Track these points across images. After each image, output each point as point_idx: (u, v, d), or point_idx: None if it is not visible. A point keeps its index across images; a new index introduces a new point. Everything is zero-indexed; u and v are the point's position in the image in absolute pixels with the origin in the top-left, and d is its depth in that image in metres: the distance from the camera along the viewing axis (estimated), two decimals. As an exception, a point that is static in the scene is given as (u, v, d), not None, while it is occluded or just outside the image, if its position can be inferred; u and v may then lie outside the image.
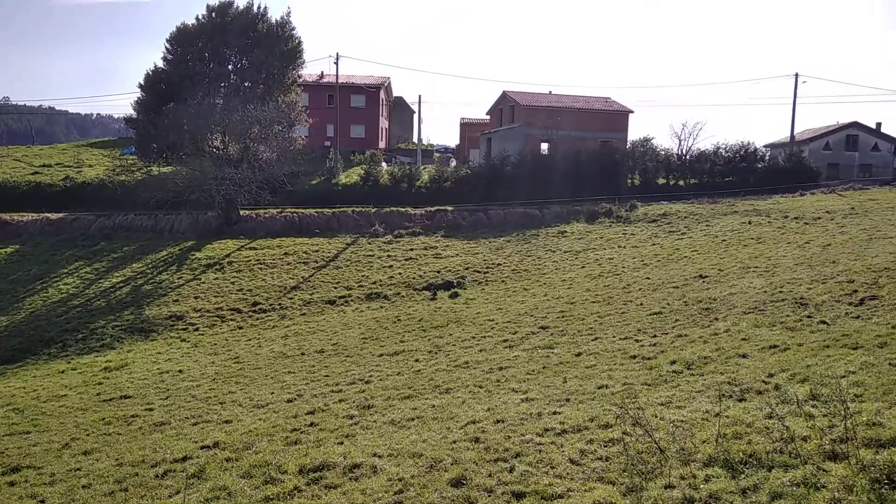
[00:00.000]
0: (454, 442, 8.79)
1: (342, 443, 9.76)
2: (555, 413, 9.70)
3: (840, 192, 39.33)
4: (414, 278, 28.37)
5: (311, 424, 11.31)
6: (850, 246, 22.82)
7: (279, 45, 40.13)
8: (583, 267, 27.98)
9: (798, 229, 28.99)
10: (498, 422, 9.62)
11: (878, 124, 58.83)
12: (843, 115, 68.63)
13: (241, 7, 40.69)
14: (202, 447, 10.57)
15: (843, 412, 6.51)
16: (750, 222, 32.07)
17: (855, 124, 57.34)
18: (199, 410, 14.00)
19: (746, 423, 7.48)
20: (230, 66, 41.28)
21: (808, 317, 14.08)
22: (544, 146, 50.83)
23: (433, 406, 11.57)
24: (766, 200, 38.34)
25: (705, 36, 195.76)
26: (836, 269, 18.52)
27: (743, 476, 6.11)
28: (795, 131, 57.11)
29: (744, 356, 11.62)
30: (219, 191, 35.24)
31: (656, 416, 8.40)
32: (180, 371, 18.49)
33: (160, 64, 39.98)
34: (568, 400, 10.50)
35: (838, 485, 5.50)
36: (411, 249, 32.53)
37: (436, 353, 16.84)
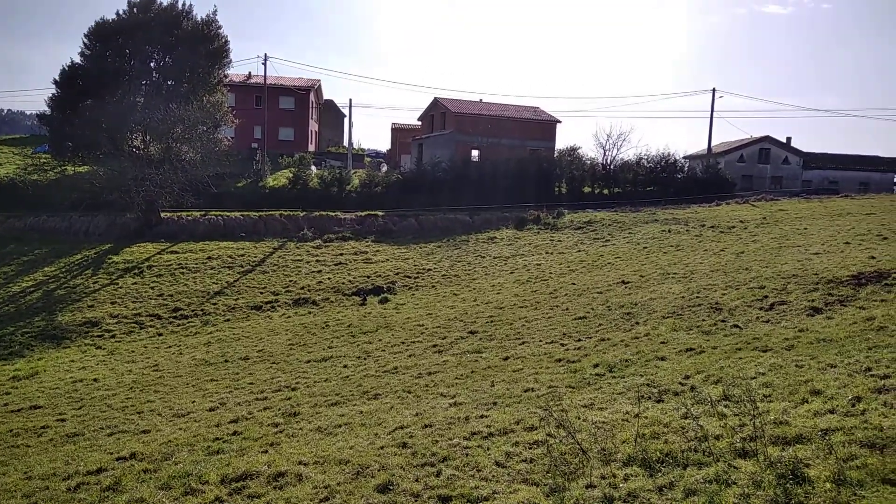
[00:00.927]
0: (382, 448, 8.75)
1: (266, 451, 9.55)
2: (482, 417, 9.79)
3: (753, 203, 41.38)
4: (343, 283, 28.09)
5: (235, 433, 11.02)
6: (761, 254, 24.04)
7: (204, 43, 39.01)
8: (512, 272, 28.38)
9: (714, 237, 30.32)
10: (426, 426, 9.63)
11: (789, 139, 62.31)
12: (757, 130, 72.35)
13: (165, 4, 39.38)
14: (118, 458, 10.13)
15: (752, 412, 6.85)
16: (670, 230, 33.32)
17: (767, 138, 60.53)
18: (116, 420, 13.40)
19: (664, 423, 7.76)
20: (152, 64, 39.80)
21: (723, 321, 14.76)
22: (475, 153, 51.39)
23: (361, 412, 11.48)
24: (685, 210, 39.94)
25: (631, 50, 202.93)
26: (749, 275, 19.47)
27: (660, 474, 6.34)
28: (712, 144, 59.81)
29: (662, 359, 12.06)
30: (139, 192, 33.92)
31: (579, 418, 8.61)
32: (95, 380, 17.66)
33: (77, 59, 38.19)
34: (495, 403, 10.62)
35: (747, 481, 5.78)
36: (341, 254, 32.21)
37: (365, 358, 16.72)
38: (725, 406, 8.02)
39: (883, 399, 7.41)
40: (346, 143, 58.79)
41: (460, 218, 38.71)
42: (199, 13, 48.56)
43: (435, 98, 55.27)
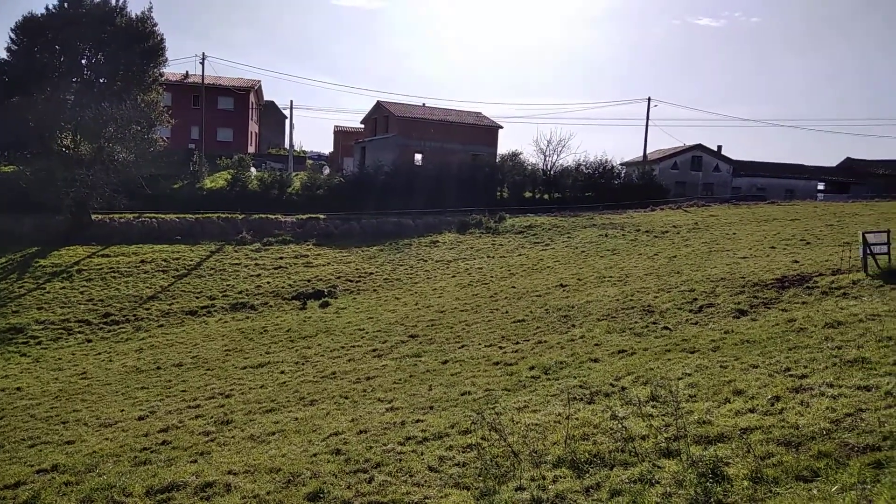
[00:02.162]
0: (315, 455, 8.64)
1: (195, 461, 9.30)
2: (418, 421, 9.79)
3: (685, 209, 42.75)
4: (283, 287, 27.66)
5: (164, 443, 10.69)
6: (692, 258, 24.85)
7: (139, 41, 37.83)
8: (453, 276, 28.50)
9: (649, 242, 31.18)
10: (361, 432, 9.57)
11: (719, 147, 64.64)
12: (690, 138, 74.94)
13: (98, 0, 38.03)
14: (38, 471, 9.69)
15: (676, 412, 7.06)
16: (607, 235, 34.10)
17: (699, 146, 62.63)
18: (38, 431, 12.82)
19: (594, 424, 7.93)
20: (84, 61, 38.39)
21: (654, 323, 15.19)
22: (418, 157, 51.44)
23: (296, 419, 11.31)
24: (622, 215, 40.94)
25: (570, 59, 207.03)
26: (680, 279, 20.09)
27: (587, 475, 6.46)
28: (648, 151, 61.54)
29: (596, 360, 12.32)
30: (68, 193, 32.61)
31: (513, 421, 8.70)
32: (18, 388, 16.86)
33: (3, 55, 36.51)
34: (432, 408, 10.64)
35: (670, 480, 5.95)
36: (281, 258, 31.70)
37: (303, 364, 16.49)
38: (653, 406, 8.24)
39: (800, 398, 7.75)
40: (287, 145, 57.94)
41: (403, 222, 38.67)
42: (135, 10, 46.94)
43: (378, 101, 55.08)
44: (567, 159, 69.07)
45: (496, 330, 17.23)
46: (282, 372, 15.73)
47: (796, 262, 20.50)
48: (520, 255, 31.81)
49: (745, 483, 5.62)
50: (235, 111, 58.57)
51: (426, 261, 31.83)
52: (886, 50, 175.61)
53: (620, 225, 36.51)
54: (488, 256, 32.00)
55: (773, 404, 7.65)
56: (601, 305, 17.98)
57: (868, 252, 16.67)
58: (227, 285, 27.80)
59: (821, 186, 66.19)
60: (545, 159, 51.99)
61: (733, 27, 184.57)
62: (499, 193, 48.86)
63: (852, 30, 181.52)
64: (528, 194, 49.95)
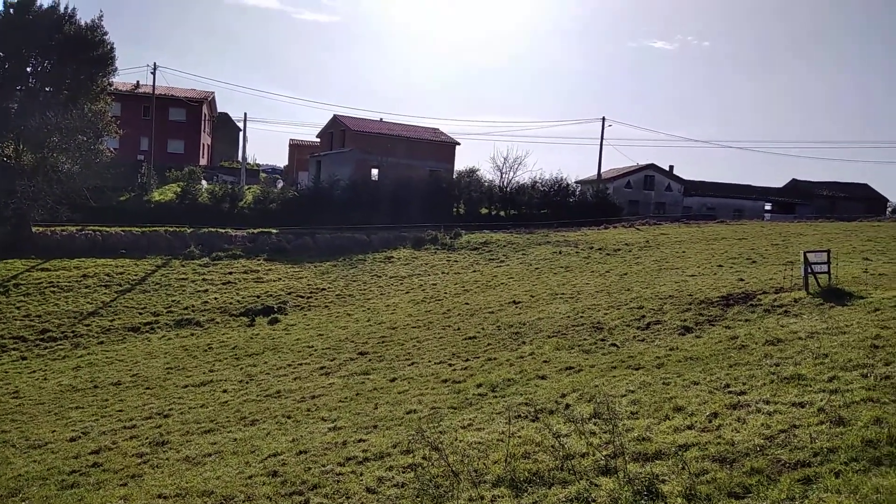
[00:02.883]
0: (250, 477, 8.36)
1: (126, 484, 8.91)
2: (360, 441, 9.58)
3: (638, 227, 43.50)
4: (231, 303, 27.04)
5: (95, 465, 10.24)
6: (643, 275, 25.22)
7: (87, 50, 36.84)
8: (407, 292, 28.31)
9: (601, 259, 31.56)
10: (300, 453, 9.31)
11: (671, 167, 66.20)
12: (643, 158, 76.65)
13: (46, 6, 36.98)
14: (-46, 498, 9.15)
15: (614, 430, 7.04)
16: (560, 252, 34.40)
17: (652, 166, 64.02)
18: (-40, 455, 12.14)
19: (536, 442, 7.85)
20: (29, 69, 37.22)
21: (603, 340, 15.28)
22: (375, 172, 51.27)
23: (235, 439, 10.97)
24: (576, 232, 41.41)
25: (528, 78, 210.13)
26: (630, 296, 20.32)
27: (526, 494, 6.36)
28: (602, 170, 62.61)
29: (543, 378, 12.29)
30: (8, 204, 31.40)
31: (457, 440, 8.57)
32: (-58, 410, 15.98)
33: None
34: (376, 427, 10.44)
35: (606, 498, 5.89)
36: (230, 273, 31.04)
37: (247, 382, 16.07)
38: (595, 424, 8.21)
39: (737, 415, 7.81)
40: (240, 157, 57.10)
41: (358, 237, 38.35)
42: (85, 17, 45.83)
43: (335, 115, 54.81)
44: (523, 177, 69.65)
45: (447, 347, 17.11)
46: (224, 391, 15.29)
47: (742, 280, 20.96)
48: (475, 271, 31.82)
49: (680, 500, 5.60)
50: (187, 123, 57.53)
51: (380, 277, 31.58)
52: (830, 77, 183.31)
53: (574, 242, 36.89)
54: (443, 273, 31.92)
55: (710, 421, 7.70)
56: (552, 322, 18.03)
57: (809, 271, 17.13)
58: (173, 301, 27.05)
59: (768, 207, 68.25)
60: (502, 176, 52.45)
61: (686, 50, 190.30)
62: (455, 210, 49.00)
63: (798, 56, 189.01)
64: (484, 211, 50.20)
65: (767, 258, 26.88)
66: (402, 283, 30.22)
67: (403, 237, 38.84)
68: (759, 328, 13.54)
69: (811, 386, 8.47)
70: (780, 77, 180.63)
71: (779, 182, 74.61)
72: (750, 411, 7.79)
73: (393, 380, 14.31)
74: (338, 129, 53.89)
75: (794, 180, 72.79)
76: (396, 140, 52.18)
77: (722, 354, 11.60)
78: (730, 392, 8.90)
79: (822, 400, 7.67)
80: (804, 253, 17.54)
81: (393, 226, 40.52)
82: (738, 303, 17.07)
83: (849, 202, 66.13)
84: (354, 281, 30.79)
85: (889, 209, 66.04)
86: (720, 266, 25.63)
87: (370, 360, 16.92)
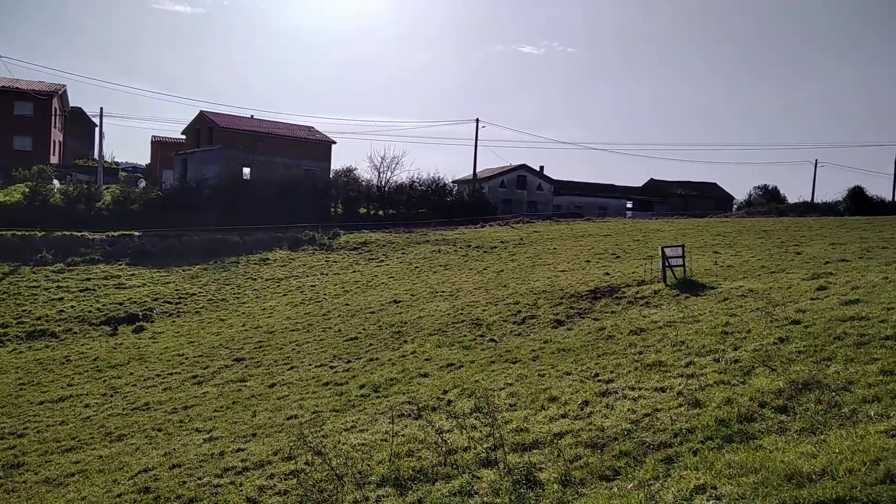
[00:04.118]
0: (119, 495, 7.87)
1: (-28, 515, 8.09)
2: (239, 450, 9.27)
3: (512, 225, 44.93)
4: (90, 312, 25.17)
5: (-67, 497, 9.20)
6: (518, 272, 26.11)
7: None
8: (284, 295, 27.63)
9: (478, 257, 32.33)
10: (174, 467, 8.87)
11: (542, 167, 68.89)
12: (516, 158, 79.36)
13: None
14: None
15: (494, 422, 7.27)
16: (439, 251, 34.89)
17: (524, 167, 66.34)
18: None
19: (419, 440, 7.95)
20: None
21: (482, 336, 15.69)
22: (246, 171, 49.46)
23: (101, 457, 10.28)
24: (454, 231, 42.15)
25: (403, 80, 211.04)
26: (507, 292, 20.98)
27: (410, 492, 6.44)
28: (478, 170, 64.10)
29: (425, 375, 12.45)
30: None
31: (340, 442, 8.51)
32: None
33: None
34: (255, 435, 10.14)
35: (488, 489, 6.08)
36: (88, 279, 28.87)
37: (111, 395, 15.08)
38: (476, 418, 8.43)
39: (606, 402, 8.31)
40: (96, 155, 53.14)
41: (230, 238, 36.86)
42: None
43: (201, 111, 52.28)
44: (401, 176, 70.12)
45: (328, 349, 16.89)
46: (86, 406, 14.25)
47: (608, 274, 22.21)
48: (354, 271, 31.58)
49: (556, 486, 5.89)
50: (35, 118, 52.75)
51: (255, 279, 30.59)
52: (683, 83, 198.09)
53: (453, 241, 37.51)
54: (322, 274, 31.43)
55: (582, 409, 8.14)
56: (433, 320, 18.27)
57: (667, 265, 18.49)
58: (23, 311, 24.78)
59: (629, 205, 72.79)
60: (380, 176, 52.41)
61: (552, 56, 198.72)
62: (333, 209, 48.38)
63: (656, 64, 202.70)
64: (362, 210, 49.92)
65: (630, 253, 28.65)
66: (279, 286, 29.45)
67: (279, 238, 37.81)
68: (624, 319, 14.44)
69: (670, 371, 9.16)
70: (639, 83, 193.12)
71: (639, 182, 79.83)
72: (617, 398, 8.31)
73: (272, 385, 13.95)
74: (205, 126, 51.46)
75: (652, 180, 78.07)
76: (269, 138, 50.64)
77: (591, 345, 12.27)
78: (599, 380, 9.44)
79: (680, 384, 8.32)
80: (662, 248, 18.91)
81: (268, 226, 39.32)
82: (604, 296, 18.09)
83: (700, 200, 71.90)
84: (227, 284, 29.63)
85: (735, 206, 72.42)
86: (588, 261, 27.02)
87: (247, 366, 16.39)
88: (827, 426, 6.06)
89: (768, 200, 64.17)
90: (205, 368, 16.58)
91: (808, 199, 63.02)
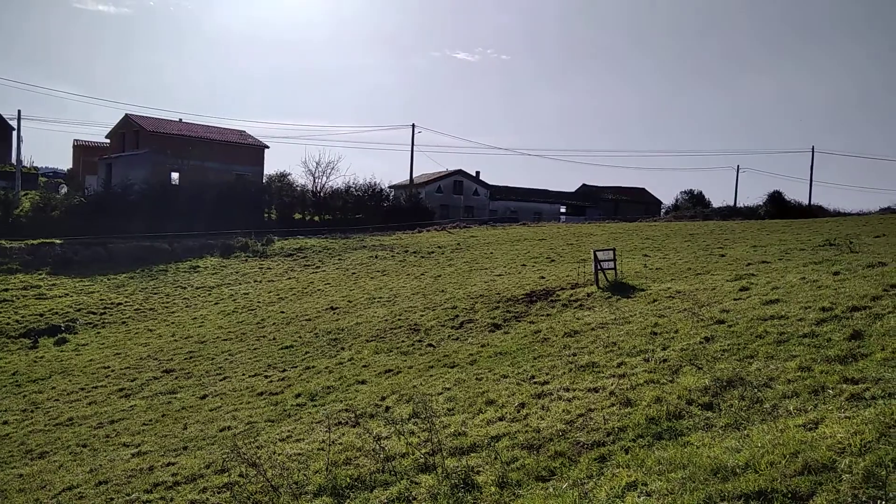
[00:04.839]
0: (40, 517, 7.48)
1: None
2: (169, 464, 8.98)
3: (449, 230, 45.18)
4: (8, 324, 23.87)
5: None
6: (455, 277, 26.23)
7: None
8: (216, 303, 26.91)
9: (416, 262, 32.32)
10: (100, 483, 8.52)
11: (478, 173, 69.67)
12: (452, 164, 79.85)
13: None
14: None
15: (432, 427, 7.29)
16: (377, 256, 34.70)
17: (460, 172, 66.88)
18: None
19: (357, 447, 7.88)
20: None
21: (420, 341, 15.69)
22: (175, 176, 48.03)
23: (21, 476, 9.77)
24: (391, 236, 42.03)
25: (336, 80, 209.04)
26: (444, 297, 21.06)
27: (348, 500, 6.38)
28: (415, 175, 64.16)
29: (363, 382, 12.36)
30: None
31: (275, 453, 8.35)
32: None
33: None
34: (186, 448, 9.84)
35: (426, 495, 6.09)
36: (6, 290, 27.38)
37: (32, 411, 14.35)
38: (414, 424, 8.43)
39: (542, 403, 8.45)
40: (14, 160, 50.54)
41: (158, 246, 35.68)
42: None
43: (127, 114, 50.50)
44: (337, 181, 69.69)
45: (262, 358, 16.56)
46: (4, 423, 13.51)
47: (543, 277, 22.58)
48: (289, 278, 31.05)
49: (493, 489, 5.94)
50: (-54, 120, 49.87)
51: (185, 288, 29.68)
52: (612, 91, 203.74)
53: (390, 246, 37.38)
54: (255, 281, 30.77)
55: (519, 411, 8.25)
56: (370, 326, 18.16)
57: (599, 268, 18.95)
58: (-67, 325, 23.29)
59: (563, 209, 74.33)
60: (315, 181, 51.84)
61: (487, 62, 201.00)
62: (267, 215, 47.51)
63: (582, 73, 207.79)
64: (297, 216, 49.22)
65: (564, 257, 29.22)
66: (210, 294, 28.66)
67: (210, 245, 36.81)
68: (559, 322, 14.72)
69: (603, 372, 9.39)
70: (572, 90, 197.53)
71: (572, 186, 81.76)
72: (553, 399, 8.46)
73: (204, 397, 13.57)
74: (131, 130, 49.72)
75: (584, 185, 79.99)
76: (198, 142, 49.33)
77: (527, 348, 12.45)
78: (535, 382, 9.59)
79: (612, 384, 8.54)
80: (594, 251, 19.37)
81: (198, 233, 38.25)
82: (540, 299, 18.39)
83: (630, 204, 74.12)
84: (156, 293, 28.66)
85: (663, 210, 74.96)
86: (524, 265, 27.41)
87: (177, 377, 15.90)
88: (750, 421, 6.33)
89: (694, 205, 66.71)
90: (132, 381, 15.99)
91: (732, 204, 65.92)
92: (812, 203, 59.43)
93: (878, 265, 13.90)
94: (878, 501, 4.09)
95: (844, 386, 6.66)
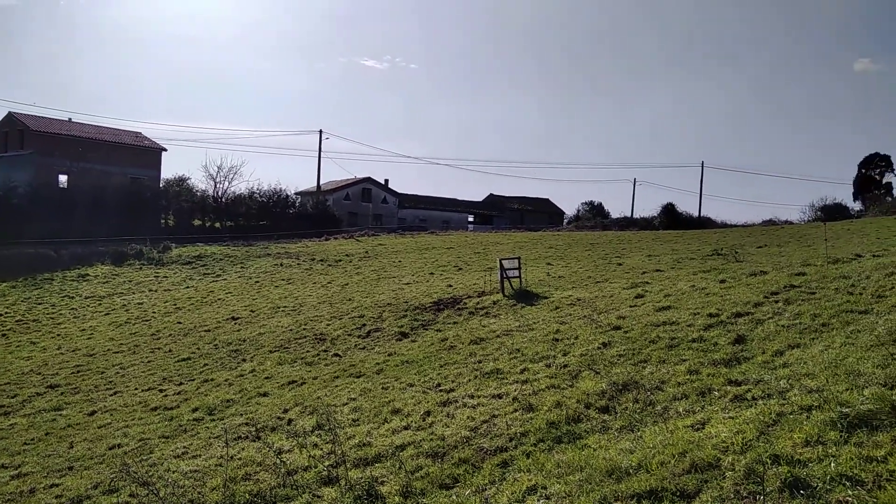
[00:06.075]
0: None
1: None
2: (53, 486, 8.41)
3: (357, 238, 44.79)
4: None
5: None
6: (363, 285, 26.02)
7: None
8: (107, 314, 25.44)
9: (323, 271, 31.82)
10: (-29, 512, 7.83)
11: (387, 181, 69.53)
12: (361, 171, 79.34)
13: None
14: None
15: (335, 439, 7.18)
16: (282, 264, 33.91)
17: (369, 179, 66.53)
18: None
19: (257, 462, 7.65)
20: None
21: (325, 351, 15.44)
22: (63, 178, 45.16)
23: None
24: (297, 244, 41.21)
25: (239, 83, 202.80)
26: (352, 305, 20.84)
27: (247, 517, 6.17)
28: (322, 182, 63.26)
29: (265, 395, 12.02)
30: None
31: (169, 470, 7.97)
32: None
33: None
34: (72, 468, 9.22)
35: (329, 507, 5.98)
36: None
37: None
38: (318, 436, 8.27)
39: (447, 411, 8.50)
40: None
41: (42, 252, 33.37)
42: None
43: (10, 112, 47.08)
44: (240, 187, 67.69)
45: (157, 371, 15.79)
46: None
47: (450, 286, 22.77)
48: (188, 287, 29.80)
49: (397, 499, 5.92)
50: None
51: (73, 297, 27.91)
52: (517, 102, 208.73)
53: (296, 254, 36.64)
54: (150, 290, 29.34)
55: (424, 419, 8.26)
56: (274, 337, 17.70)
57: (504, 276, 19.33)
58: None
59: (471, 218, 75.39)
60: (216, 186, 50.13)
61: (394, 71, 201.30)
62: (164, 221, 45.55)
63: (490, 85, 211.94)
64: (197, 222, 47.44)
65: (471, 265, 29.60)
66: (100, 304, 27.08)
67: (101, 252, 34.83)
68: (465, 329, 14.88)
69: (507, 378, 9.57)
70: (479, 101, 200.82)
71: (479, 196, 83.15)
72: (458, 406, 8.53)
73: (92, 413, 12.78)
74: (14, 129, 46.37)
75: (491, 195, 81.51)
76: (89, 143, 46.63)
77: (434, 356, 12.51)
78: (441, 390, 9.64)
79: (515, 390, 8.72)
80: (500, 260, 19.75)
81: (88, 239, 36.11)
82: (447, 307, 18.53)
83: (535, 214, 76.17)
84: (40, 303, 26.79)
85: (566, 220, 77.45)
86: (432, 274, 27.55)
87: (63, 393, 14.89)
88: (643, 423, 6.62)
89: (595, 215, 69.36)
90: (12, 397, 14.85)
91: (629, 215, 68.95)
92: (702, 215, 63.20)
93: (759, 273, 14.92)
94: (758, 496, 4.36)
95: (729, 388, 7.09)
